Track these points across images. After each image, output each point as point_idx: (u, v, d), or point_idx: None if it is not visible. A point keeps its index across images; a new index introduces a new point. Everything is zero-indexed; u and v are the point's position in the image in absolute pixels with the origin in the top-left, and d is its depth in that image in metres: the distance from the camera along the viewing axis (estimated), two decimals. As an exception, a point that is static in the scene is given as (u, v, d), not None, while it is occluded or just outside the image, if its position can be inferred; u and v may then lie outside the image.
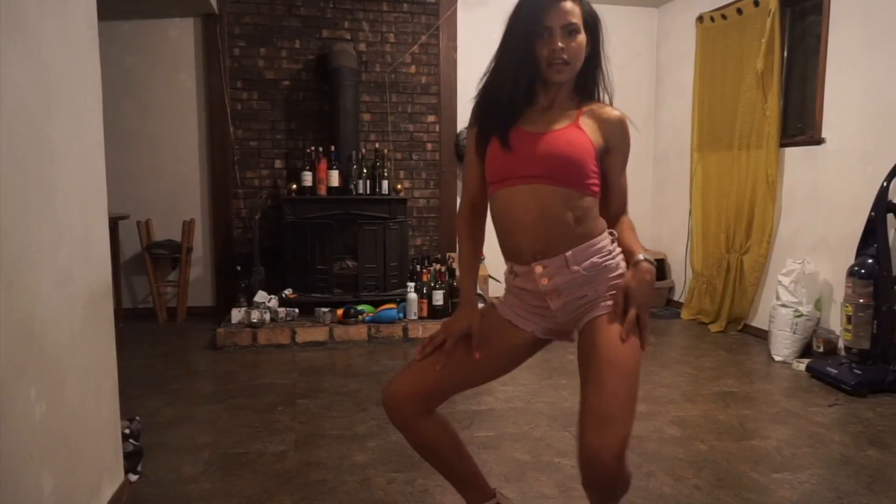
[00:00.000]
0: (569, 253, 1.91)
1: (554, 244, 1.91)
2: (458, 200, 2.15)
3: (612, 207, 2.03)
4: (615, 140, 1.97)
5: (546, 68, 1.87)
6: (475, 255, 2.14)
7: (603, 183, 1.98)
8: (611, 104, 2.03)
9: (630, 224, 2.05)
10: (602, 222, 1.99)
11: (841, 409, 3.89)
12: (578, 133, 1.91)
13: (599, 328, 1.91)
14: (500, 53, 1.95)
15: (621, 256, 1.99)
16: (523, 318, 2.05)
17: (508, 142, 1.91)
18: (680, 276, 6.69)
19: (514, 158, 1.91)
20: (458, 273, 2.07)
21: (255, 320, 5.28)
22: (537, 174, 1.89)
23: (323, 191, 5.82)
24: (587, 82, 2.00)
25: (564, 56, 1.85)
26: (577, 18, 1.86)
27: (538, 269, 1.94)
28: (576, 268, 1.92)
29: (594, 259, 1.94)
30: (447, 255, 6.38)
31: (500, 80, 1.93)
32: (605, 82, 2.03)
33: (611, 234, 2.00)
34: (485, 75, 2.01)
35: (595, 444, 1.75)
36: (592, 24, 1.93)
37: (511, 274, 2.05)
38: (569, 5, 1.86)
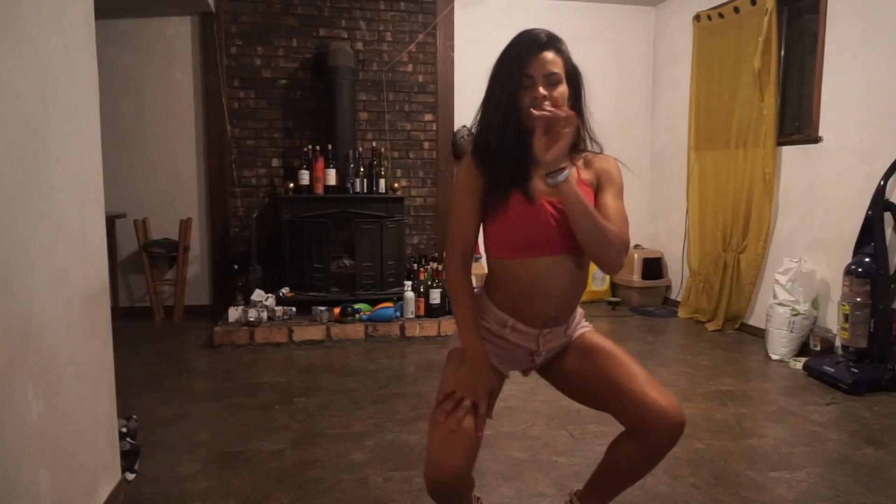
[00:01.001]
0: (570, 320, 2.05)
1: (567, 312, 2.01)
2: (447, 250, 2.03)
3: None
4: (605, 178, 1.97)
5: (529, 118, 1.84)
6: (475, 308, 2.03)
7: (598, 210, 1.92)
8: (601, 152, 2.04)
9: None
10: None
11: (838, 407, 3.90)
12: (585, 191, 1.90)
13: (583, 341, 2.06)
14: (485, 105, 1.96)
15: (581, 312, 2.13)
16: (504, 362, 2.08)
17: (527, 207, 1.88)
18: (677, 274, 6.69)
19: (535, 229, 1.89)
20: (459, 329, 1.95)
21: (252, 319, 5.27)
22: (556, 241, 1.89)
23: (320, 189, 5.81)
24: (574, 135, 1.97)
25: (546, 104, 1.81)
26: (558, 69, 1.86)
27: (544, 343, 2.02)
28: (569, 332, 2.06)
29: (577, 321, 2.10)
30: (444, 253, 6.36)
31: (489, 134, 1.93)
32: (591, 133, 2.02)
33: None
34: (474, 126, 2.01)
35: (661, 399, 1.84)
36: (574, 77, 1.92)
37: (506, 328, 2.00)
38: (550, 56, 1.86)
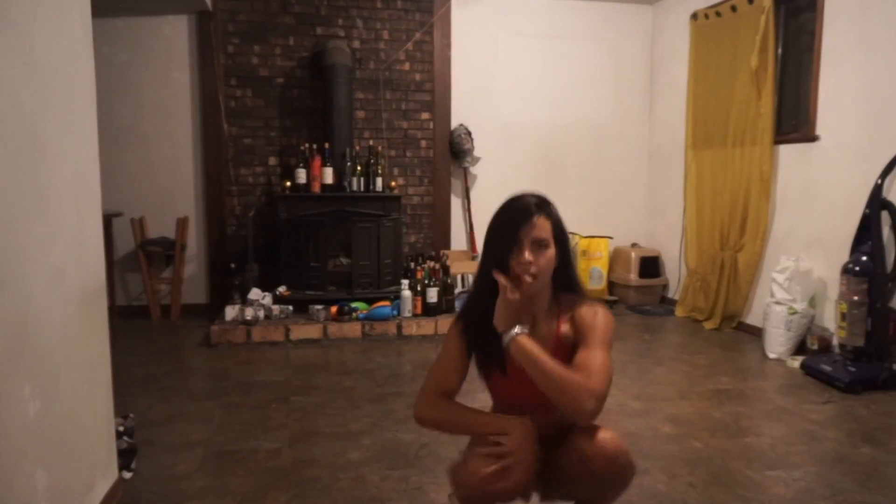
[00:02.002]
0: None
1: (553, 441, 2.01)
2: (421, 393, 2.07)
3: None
4: (587, 331, 1.93)
5: (514, 280, 1.89)
6: (466, 408, 2.01)
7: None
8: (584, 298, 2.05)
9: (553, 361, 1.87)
10: None
11: (835, 406, 3.90)
12: (559, 345, 1.96)
13: None
14: (480, 267, 2.02)
15: None
16: None
17: (511, 379, 1.96)
18: (674, 273, 6.69)
19: (520, 399, 1.99)
20: (475, 429, 2.00)
21: (249, 318, 5.27)
22: (541, 406, 1.90)
23: (317, 188, 5.81)
24: (563, 284, 2.03)
25: (532, 270, 1.88)
26: (547, 234, 1.92)
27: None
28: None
29: None
30: (441, 252, 6.37)
31: (483, 298, 1.97)
32: (577, 282, 2.06)
33: None
34: (472, 289, 2.10)
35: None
36: (561, 235, 1.97)
37: None
38: (540, 221, 1.91)
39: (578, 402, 1.76)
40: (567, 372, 1.79)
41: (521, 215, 1.92)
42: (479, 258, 2.04)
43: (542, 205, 1.95)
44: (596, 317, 1.94)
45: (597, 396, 1.76)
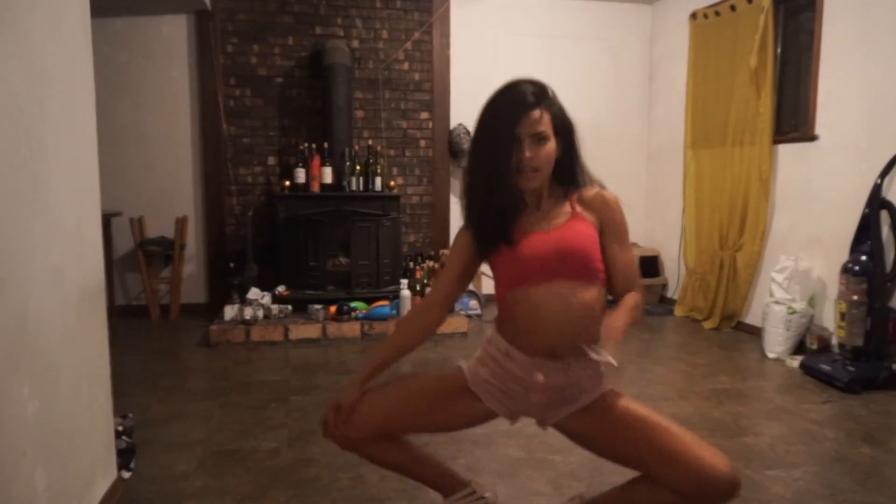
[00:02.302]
0: (574, 364, 1.94)
1: (566, 345, 1.92)
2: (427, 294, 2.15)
3: (619, 286, 2.01)
4: (608, 219, 1.98)
5: (515, 175, 1.88)
6: (398, 351, 2.13)
7: (606, 262, 1.98)
8: (602, 187, 2.04)
9: (634, 299, 1.97)
10: None
11: (834, 406, 3.90)
12: (582, 224, 1.94)
13: (610, 407, 1.97)
14: (471, 162, 1.98)
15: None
16: (493, 397, 2.05)
17: (517, 246, 1.94)
18: (673, 272, 6.69)
19: (528, 262, 1.93)
20: (372, 355, 2.15)
21: (248, 317, 5.27)
22: (555, 272, 1.90)
23: (316, 188, 5.81)
24: (566, 176, 2.00)
25: (533, 164, 1.86)
26: (545, 126, 1.87)
27: (538, 374, 1.96)
28: (574, 376, 1.96)
29: (591, 371, 1.98)
30: (440, 251, 6.37)
31: (479, 190, 1.96)
32: (586, 174, 2.03)
33: None
34: (464, 182, 2.05)
35: (715, 461, 1.79)
36: (563, 128, 1.93)
37: (505, 356, 2.01)
38: (536, 114, 1.86)
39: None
40: (638, 296, 1.96)
41: (518, 108, 1.86)
42: (469, 154, 2.00)
43: (540, 94, 1.89)
44: (618, 211, 1.99)
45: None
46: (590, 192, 2.00)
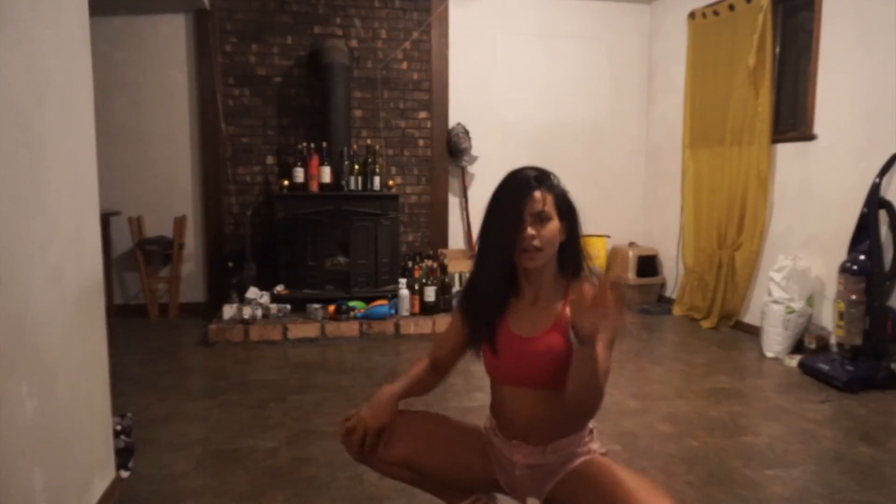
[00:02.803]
0: (550, 446, 1.96)
1: (538, 436, 1.96)
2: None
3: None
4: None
5: (519, 255, 1.88)
6: (413, 381, 2.21)
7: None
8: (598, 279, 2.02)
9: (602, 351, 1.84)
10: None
11: (833, 405, 3.90)
12: (557, 338, 1.91)
13: (585, 466, 1.94)
14: (480, 244, 2.00)
15: (596, 444, 2.02)
16: (497, 465, 2.08)
17: (496, 346, 1.97)
18: (672, 272, 6.69)
19: (501, 363, 1.98)
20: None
21: (246, 317, 5.26)
22: (524, 380, 1.94)
23: (315, 187, 5.80)
24: (570, 263, 1.99)
25: (535, 243, 1.86)
26: (548, 206, 1.88)
27: (516, 455, 2.00)
28: (552, 456, 1.97)
29: (570, 449, 1.98)
30: (439, 251, 6.37)
31: (482, 272, 1.99)
32: (588, 262, 2.02)
33: (591, 430, 2.02)
34: (472, 267, 2.08)
35: None
36: (567, 211, 1.94)
37: (493, 433, 2.08)
38: (539, 194, 1.88)
39: (595, 407, 1.84)
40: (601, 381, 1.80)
41: (520, 189, 1.89)
42: (478, 237, 2.01)
43: (541, 178, 1.92)
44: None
45: (601, 400, 1.82)
46: (588, 288, 1.82)
